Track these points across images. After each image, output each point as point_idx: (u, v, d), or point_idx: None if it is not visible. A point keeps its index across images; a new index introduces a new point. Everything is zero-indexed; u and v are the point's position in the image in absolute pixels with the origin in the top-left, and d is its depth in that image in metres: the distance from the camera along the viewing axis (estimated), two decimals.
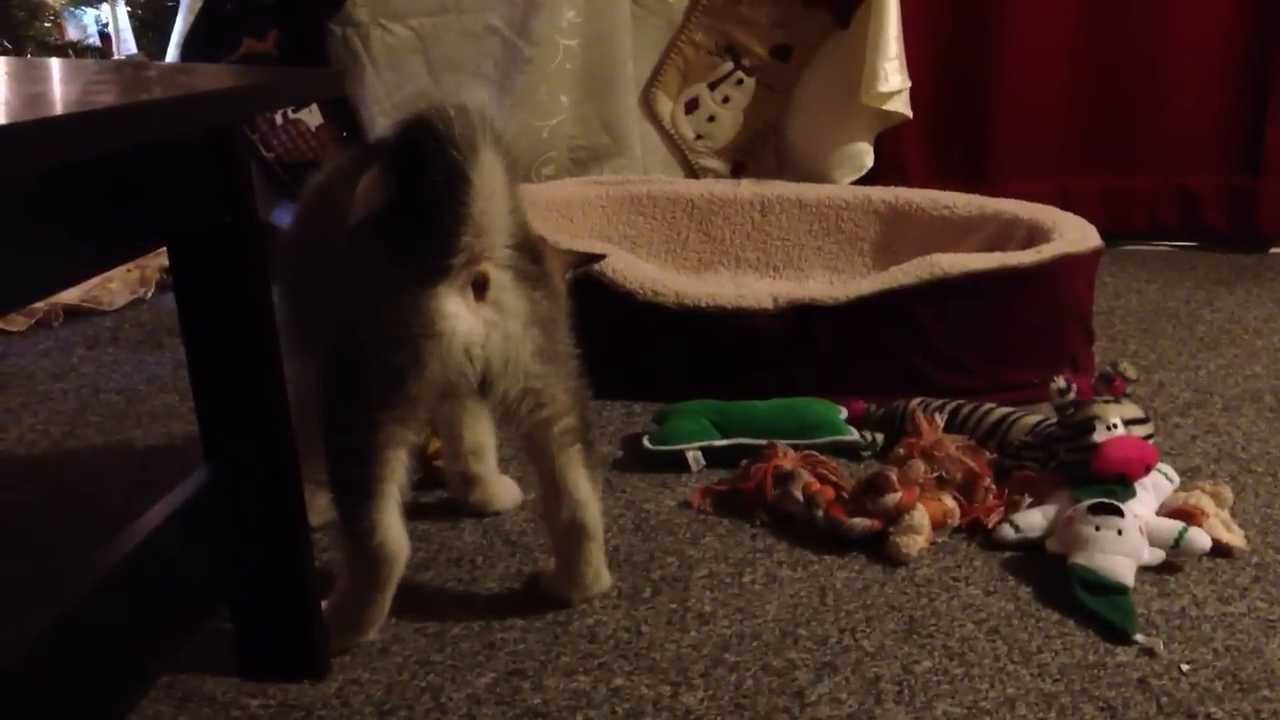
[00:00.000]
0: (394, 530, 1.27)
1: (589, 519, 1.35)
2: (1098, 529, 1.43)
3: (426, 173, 1.13)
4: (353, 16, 2.67)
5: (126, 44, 3.04)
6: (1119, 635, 1.32)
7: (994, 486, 1.60)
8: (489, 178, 1.15)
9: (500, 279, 1.21)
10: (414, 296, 1.18)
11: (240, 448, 1.20)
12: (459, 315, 1.19)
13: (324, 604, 1.29)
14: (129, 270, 2.68)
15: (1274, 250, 3.18)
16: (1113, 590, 1.39)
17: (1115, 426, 1.55)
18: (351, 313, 1.22)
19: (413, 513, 1.63)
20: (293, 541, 1.24)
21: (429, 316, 1.18)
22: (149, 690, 1.21)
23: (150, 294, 2.73)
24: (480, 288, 1.21)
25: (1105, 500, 1.46)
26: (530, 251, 1.25)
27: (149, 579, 1.05)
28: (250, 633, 1.27)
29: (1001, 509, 1.57)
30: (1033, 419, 1.74)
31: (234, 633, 1.27)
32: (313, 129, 2.73)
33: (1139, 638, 1.31)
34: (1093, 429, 1.55)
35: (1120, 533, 1.43)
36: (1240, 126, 3.12)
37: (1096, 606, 1.36)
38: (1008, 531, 1.53)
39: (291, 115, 2.72)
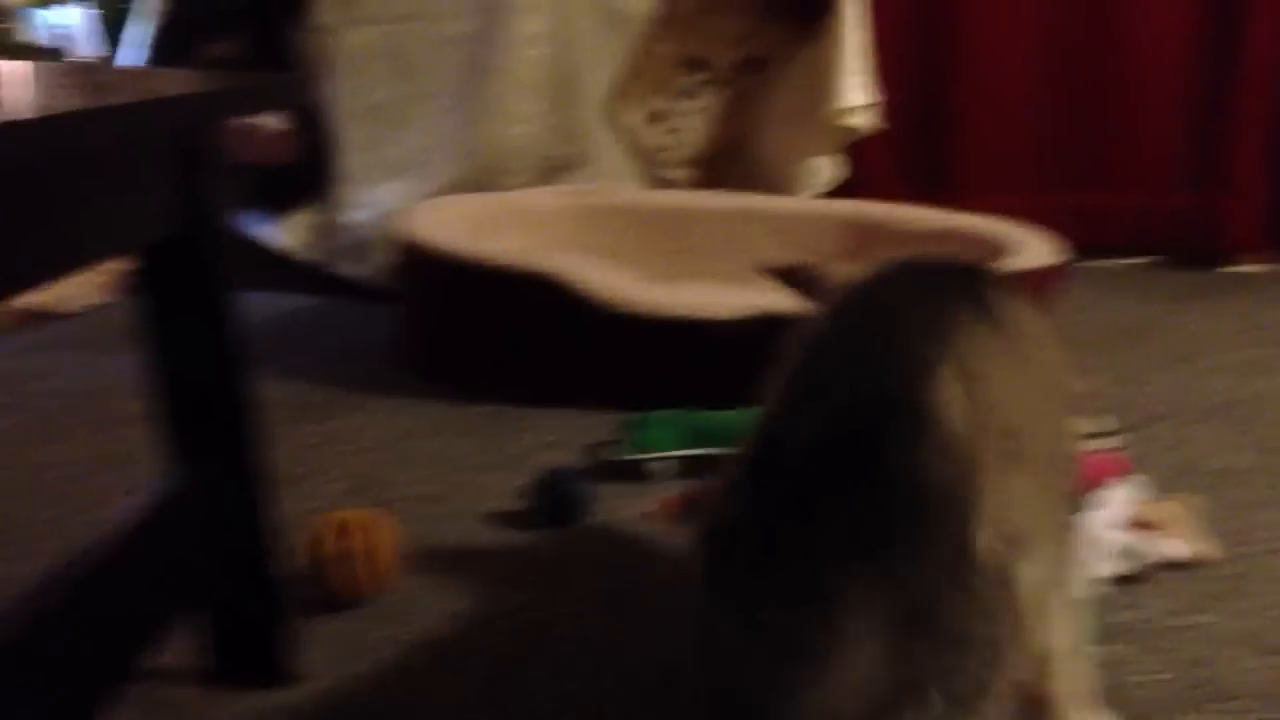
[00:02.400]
0: None
1: None
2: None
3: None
4: (320, 21, 2.65)
5: (86, 46, 3.00)
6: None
7: None
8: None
9: None
10: None
11: (209, 453, 1.19)
12: None
13: None
14: (95, 273, 2.64)
15: (1230, 268, 3.23)
16: None
17: None
18: None
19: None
20: (262, 547, 1.23)
21: None
22: (117, 697, 1.19)
23: (114, 298, 2.70)
24: None
25: None
26: None
27: (114, 587, 1.04)
28: (220, 639, 1.25)
29: None
30: None
31: (203, 640, 1.25)
32: (279, 134, 2.71)
33: (1104, 648, 1.32)
34: None
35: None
36: (1201, 148, 3.17)
37: None
38: None
39: (259, 120, 2.69)
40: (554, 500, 1.65)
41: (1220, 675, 1.28)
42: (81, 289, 2.62)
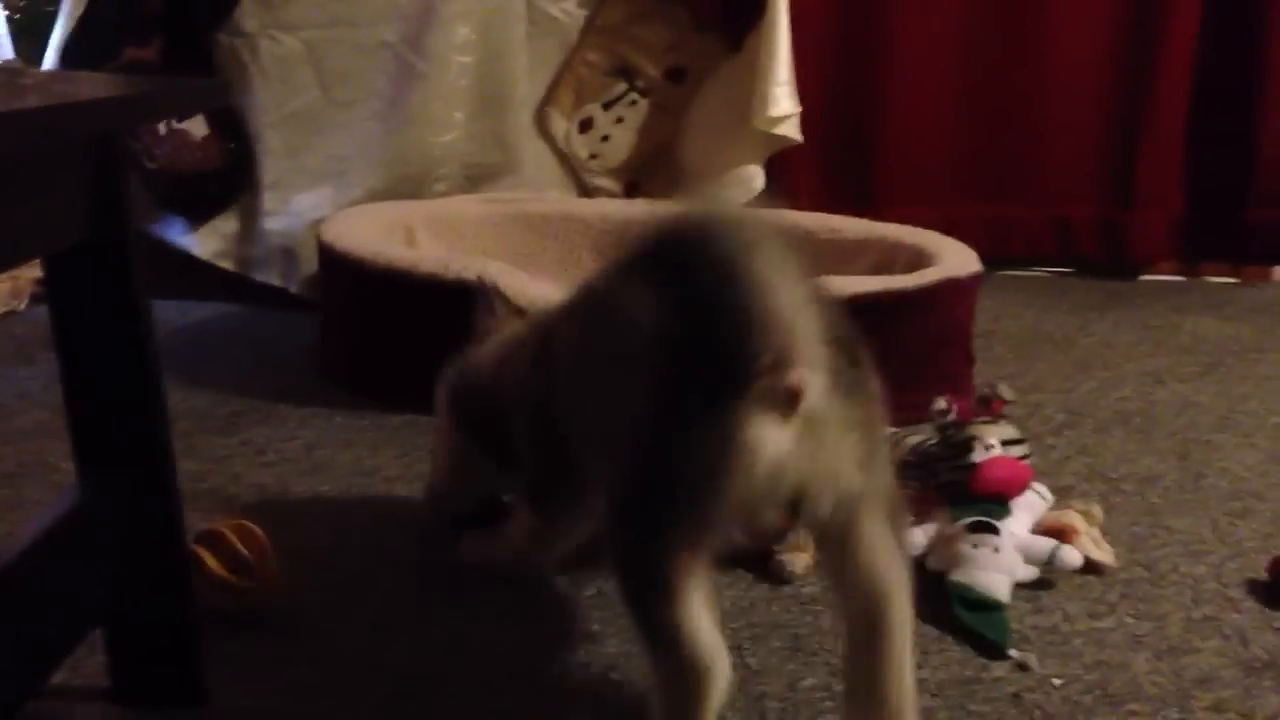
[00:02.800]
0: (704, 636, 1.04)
1: (894, 611, 1.09)
2: (975, 547, 1.47)
3: (705, 279, 0.97)
4: (241, 27, 2.62)
5: (2, 49, 2.94)
6: (994, 650, 1.36)
7: None
8: (777, 272, 0.97)
9: (812, 386, 0.98)
10: (710, 421, 0.97)
11: (117, 466, 1.17)
12: (764, 439, 0.98)
13: None
14: (0, 281, 2.59)
15: (1143, 277, 3.31)
16: (989, 607, 1.42)
17: (992, 447, 1.60)
18: (641, 438, 1.03)
19: (294, 531, 1.61)
20: (171, 563, 1.21)
21: (727, 445, 0.98)
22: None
23: (23, 306, 2.65)
24: (790, 400, 0.98)
25: (982, 519, 1.50)
26: (846, 351, 1.03)
27: (18, 601, 1.02)
28: (125, 658, 1.23)
29: None
30: (915, 439, 1.78)
31: (108, 658, 1.23)
32: (198, 140, 2.67)
33: (1013, 653, 1.35)
34: (971, 449, 1.59)
35: (996, 550, 1.47)
36: (1113, 161, 3.24)
37: (974, 623, 1.40)
38: None
39: (176, 125, 2.65)
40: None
41: (1118, 679, 1.32)
42: None
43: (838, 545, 1.09)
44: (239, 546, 1.39)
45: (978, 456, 1.58)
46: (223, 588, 1.36)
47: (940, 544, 1.53)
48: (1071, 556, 1.50)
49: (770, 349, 0.95)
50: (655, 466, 1.02)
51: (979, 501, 1.54)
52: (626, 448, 1.06)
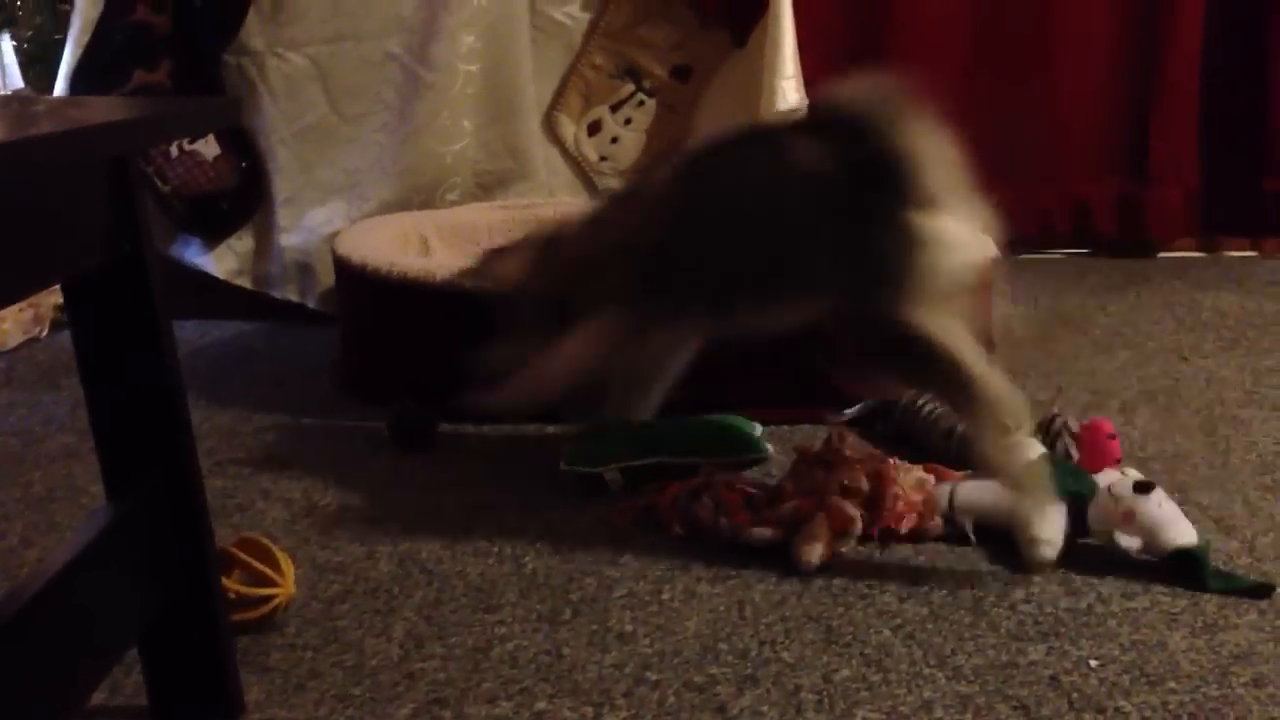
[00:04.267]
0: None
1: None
2: (1160, 506, 1.49)
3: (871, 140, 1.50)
4: (248, 46, 2.63)
5: (12, 78, 2.96)
6: (1262, 590, 1.43)
7: (905, 493, 1.61)
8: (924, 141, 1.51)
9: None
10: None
11: (145, 486, 1.18)
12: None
13: None
14: (21, 309, 2.60)
15: (1162, 254, 3.29)
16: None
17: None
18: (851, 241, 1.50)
19: (323, 544, 1.62)
20: (203, 579, 1.21)
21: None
22: None
23: (45, 332, 2.66)
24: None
25: (1143, 479, 1.52)
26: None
27: (55, 624, 1.02)
28: (162, 676, 1.24)
29: (915, 515, 1.59)
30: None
31: (145, 677, 1.24)
32: (210, 160, 2.68)
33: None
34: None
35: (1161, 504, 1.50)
36: (1126, 137, 3.22)
37: (1232, 583, 1.45)
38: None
39: (187, 147, 2.66)
40: (403, 430, 1.97)
41: (1155, 658, 1.31)
42: (13, 325, 2.58)
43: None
44: (248, 560, 1.40)
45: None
46: (243, 602, 1.37)
47: (1113, 517, 1.50)
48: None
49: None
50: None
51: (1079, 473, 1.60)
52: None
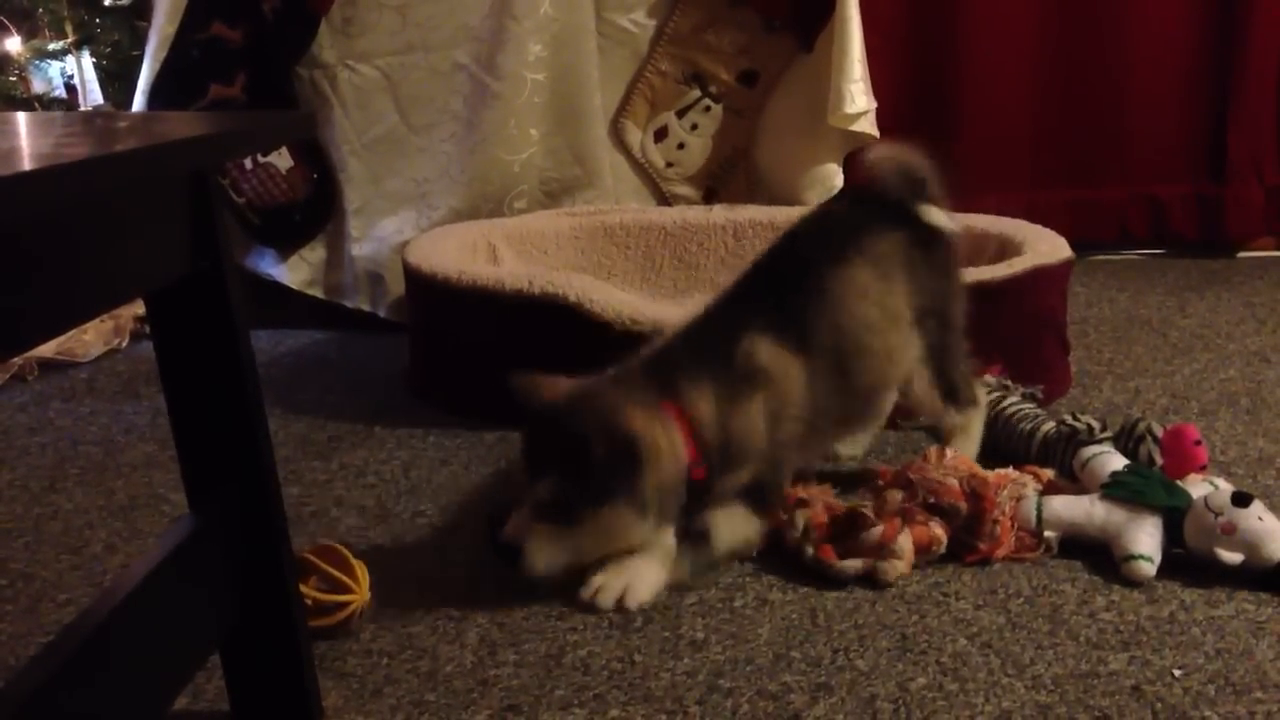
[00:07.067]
0: None
1: None
2: (1261, 519, 1.45)
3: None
4: (319, 59, 2.67)
5: (93, 95, 3.03)
6: None
7: (1004, 519, 1.54)
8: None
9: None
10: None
11: (226, 495, 1.20)
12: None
13: None
14: (103, 320, 2.66)
15: (1241, 254, 3.22)
16: None
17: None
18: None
19: (397, 552, 1.64)
20: (281, 587, 1.23)
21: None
22: None
23: (125, 343, 2.72)
24: None
25: (1241, 490, 1.48)
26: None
27: (138, 631, 1.04)
28: (242, 681, 1.26)
29: (1013, 541, 1.54)
30: (1047, 426, 1.79)
31: (226, 682, 1.26)
32: (283, 172, 2.73)
33: None
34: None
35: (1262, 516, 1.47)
36: (1203, 135, 3.16)
37: None
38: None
39: (261, 160, 2.72)
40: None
41: (1240, 667, 1.28)
42: (95, 336, 2.64)
43: None
44: (326, 567, 1.42)
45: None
46: (320, 609, 1.39)
47: (1210, 531, 1.47)
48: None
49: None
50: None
51: (1168, 484, 1.55)
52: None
